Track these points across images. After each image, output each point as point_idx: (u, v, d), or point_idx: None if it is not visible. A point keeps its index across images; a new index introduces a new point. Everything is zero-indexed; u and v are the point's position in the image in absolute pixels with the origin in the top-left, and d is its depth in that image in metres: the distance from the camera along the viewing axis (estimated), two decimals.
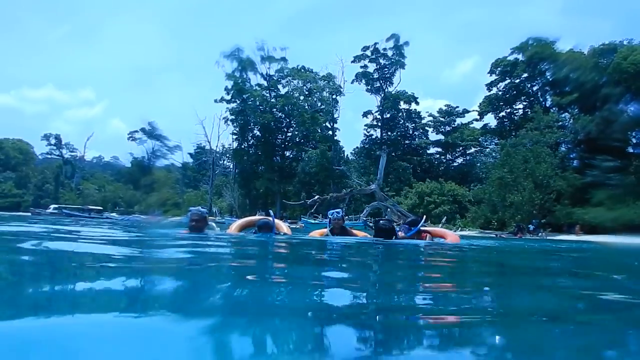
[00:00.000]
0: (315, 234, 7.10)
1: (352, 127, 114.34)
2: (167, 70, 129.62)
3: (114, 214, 56.30)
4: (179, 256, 3.71)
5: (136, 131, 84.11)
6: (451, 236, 7.03)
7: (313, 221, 34.71)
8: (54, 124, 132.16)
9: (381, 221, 6.32)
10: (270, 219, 6.38)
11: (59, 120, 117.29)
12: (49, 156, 79.80)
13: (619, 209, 29.69)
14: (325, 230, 6.81)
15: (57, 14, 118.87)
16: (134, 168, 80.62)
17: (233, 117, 59.02)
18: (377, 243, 5.69)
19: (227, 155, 64.76)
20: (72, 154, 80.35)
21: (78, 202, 63.31)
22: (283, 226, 6.92)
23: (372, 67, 60.21)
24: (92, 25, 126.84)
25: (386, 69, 59.92)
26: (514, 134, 43.88)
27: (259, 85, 59.56)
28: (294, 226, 12.07)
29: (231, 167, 65.72)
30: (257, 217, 7.75)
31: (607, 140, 34.15)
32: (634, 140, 34.14)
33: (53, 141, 78.23)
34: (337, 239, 6.26)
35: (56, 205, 55.69)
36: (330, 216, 6.64)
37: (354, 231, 6.96)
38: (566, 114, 41.76)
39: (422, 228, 6.40)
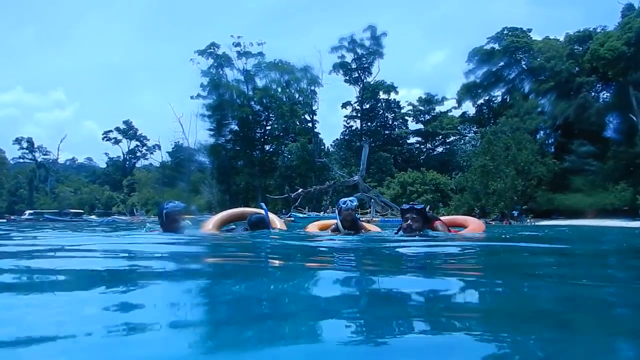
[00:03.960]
0: (315, 227, 5.98)
1: (329, 120, 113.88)
2: (141, 68, 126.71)
3: (92, 216, 55.11)
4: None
5: (111, 131, 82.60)
6: (474, 223, 5.81)
7: (301, 215, 34.52)
8: (24, 128, 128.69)
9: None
10: (263, 212, 5.51)
11: (29, 123, 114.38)
12: (22, 160, 77.41)
13: (597, 194, 30.36)
14: (328, 222, 5.85)
15: (23, 15, 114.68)
16: (111, 169, 78.90)
17: (209, 112, 58.00)
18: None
19: (203, 151, 63.60)
20: (46, 157, 78.19)
21: (54, 206, 61.68)
22: (276, 220, 5.93)
23: (349, 57, 59.80)
24: (60, 26, 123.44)
25: (364, 59, 59.57)
26: (492, 121, 44.18)
27: (235, 79, 58.67)
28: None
29: (207, 162, 64.59)
30: (241, 210, 6.68)
31: (584, 124, 34.78)
32: (611, 125, 34.71)
33: (25, 145, 75.83)
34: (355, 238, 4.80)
35: (32, 211, 54.15)
36: (342, 205, 5.30)
37: (367, 225, 5.91)
38: (544, 100, 42.21)
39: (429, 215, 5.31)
